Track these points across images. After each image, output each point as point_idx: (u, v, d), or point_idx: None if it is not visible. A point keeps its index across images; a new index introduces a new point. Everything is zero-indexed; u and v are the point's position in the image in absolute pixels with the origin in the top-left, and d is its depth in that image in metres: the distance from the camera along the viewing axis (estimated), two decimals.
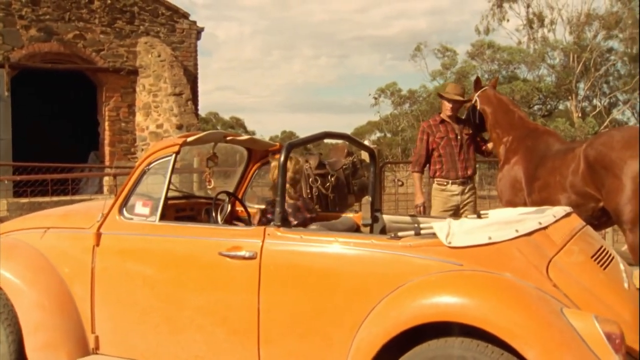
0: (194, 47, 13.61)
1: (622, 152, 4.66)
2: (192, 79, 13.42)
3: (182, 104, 11.77)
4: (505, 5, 31.47)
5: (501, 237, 2.92)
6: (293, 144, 3.49)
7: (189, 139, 3.79)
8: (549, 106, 29.94)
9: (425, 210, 6.08)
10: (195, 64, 13.80)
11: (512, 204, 5.55)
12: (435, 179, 6.05)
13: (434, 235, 2.99)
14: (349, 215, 4.44)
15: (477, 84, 6.24)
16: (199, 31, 13.81)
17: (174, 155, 3.69)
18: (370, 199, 4.29)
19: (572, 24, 29.70)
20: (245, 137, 4.34)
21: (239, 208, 4.63)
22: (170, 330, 3.47)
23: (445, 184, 5.94)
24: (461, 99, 6.00)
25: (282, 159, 3.33)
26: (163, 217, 3.68)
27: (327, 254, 3.16)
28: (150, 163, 3.76)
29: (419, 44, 31.43)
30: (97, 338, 3.69)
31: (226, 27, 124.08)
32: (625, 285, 3.07)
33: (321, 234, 3.28)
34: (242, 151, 4.62)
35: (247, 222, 4.46)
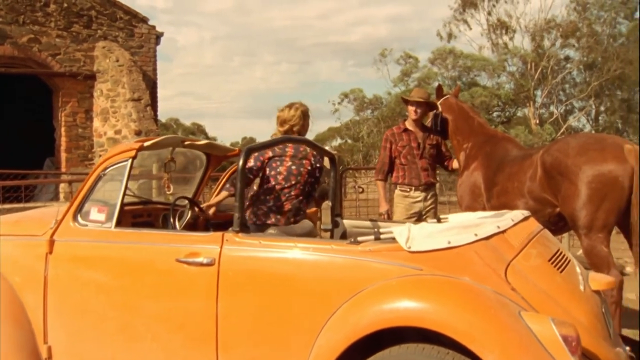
0: (153, 52, 13.42)
1: (577, 159, 4.71)
2: (152, 84, 13.23)
3: (141, 109, 11.59)
4: (467, 12, 32.00)
5: (460, 241, 2.92)
6: (252, 148, 3.45)
7: (146, 144, 3.72)
8: (507, 113, 30.48)
9: (390, 217, 6.10)
10: (155, 69, 13.62)
11: (471, 209, 5.59)
12: (397, 185, 6.07)
13: (393, 240, 2.99)
14: (308, 220, 4.41)
15: (439, 91, 6.29)
16: (158, 36, 13.63)
17: (130, 160, 3.62)
18: (330, 204, 4.27)
19: (530, 31, 30.32)
20: (203, 142, 4.29)
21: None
22: (126, 339, 3.39)
23: (408, 190, 5.97)
24: (422, 100, 6.01)
25: (240, 164, 3.28)
26: (119, 224, 3.60)
27: (287, 260, 3.13)
28: (106, 168, 3.68)
29: (383, 49, 31.72)
30: (49, 348, 3.59)
31: (186, 33, 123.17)
32: (581, 287, 3.11)
33: (281, 239, 3.25)
34: (200, 156, 4.55)
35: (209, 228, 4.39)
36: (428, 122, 6.22)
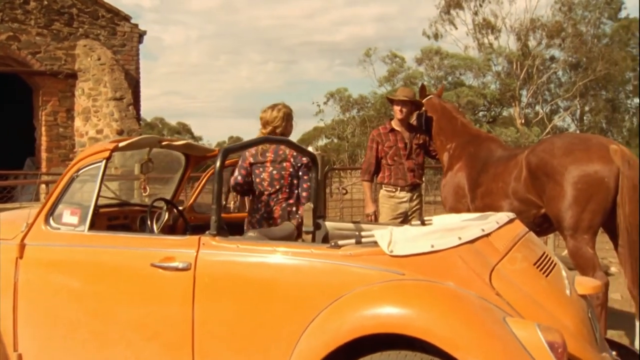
0: (135, 50, 13.24)
1: (562, 159, 4.65)
2: (134, 83, 13.06)
3: (123, 108, 11.41)
4: (453, 12, 32.07)
5: (444, 245, 2.84)
6: (229, 149, 3.35)
7: (121, 144, 3.61)
8: (493, 112, 30.56)
9: (376, 218, 6.02)
10: (137, 68, 13.43)
11: (455, 210, 5.54)
12: (383, 185, 6.00)
13: (375, 243, 2.90)
14: (290, 222, 4.32)
15: (422, 91, 6.23)
16: (141, 34, 13.45)
17: (104, 161, 3.51)
18: (312, 205, 4.18)
19: (516, 30, 30.43)
20: (181, 142, 4.18)
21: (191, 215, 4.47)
22: (98, 347, 3.29)
23: (393, 190, 5.90)
24: (407, 99, 5.93)
25: (217, 165, 3.18)
26: (93, 227, 3.49)
27: (265, 264, 3.03)
28: (79, 169, 3.56)
29: (368, 49, 31.67)
30: (20, 356, 3.48)
31: (172, 31, 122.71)
32: (567, 292, 3.04)
33: (259, 243, 3.15)
34: (179, 157, 4.44)
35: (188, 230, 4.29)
36: (413, 121, 6.14)
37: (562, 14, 30.84)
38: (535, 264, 3.03)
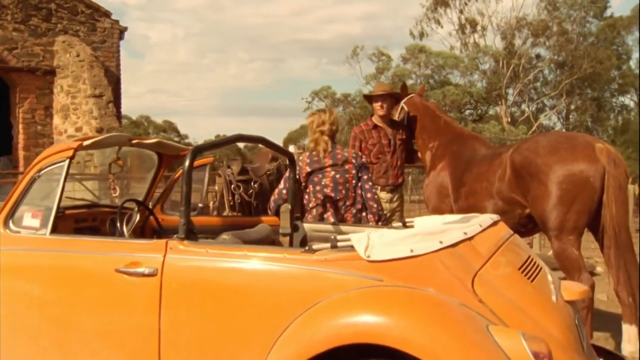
0: (116, 47, 12.99)
1: (547, 158, 4.56)
2: (115, 81, 12.82)
3: (103, 106, 11.17)
4: (439, 10, 32.04)
5: (424, 249, 2.71)
6: (200, 148, 3.18)
7: (85, 143, 3.44)
8: (479, 111, 30.54)
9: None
10: (118, 65, 13.18)
11: (438, 210, 5.45)
12: None
13: (351, 248, 2.75)
14: (267, 224, 4.16)
15: (404, 90, 6.12)
16: (122, 31, 13.19)
17: (67, 161, 3.34)
18: (289, 206, 4.02)
19: (502, 29, 30.46)
20: (152, 140, 4.00)
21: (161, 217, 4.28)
22: (61, 356, 3.14)
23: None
24: (385, 92, 5.79)
25: (186, 165, 3.01)
26: (56, 230, 3.32)
27: (235, 269, 2.88)
28: (40, 169, 3.38)
29: (355, 47, 31.53)
30: None
31: (159, 29, 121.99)
32: (553, 298, 2.91)
33: (229, 247, 2.99)
34: (152, 156, 4.27)
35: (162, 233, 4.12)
36: (397, 116, 6.01)
37: (547, 12, 30.90)
38: (520, 268, 2.90)
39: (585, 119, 35.04)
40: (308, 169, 4.40)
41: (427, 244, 2.72)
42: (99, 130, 10.88)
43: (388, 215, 5.72)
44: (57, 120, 12.24)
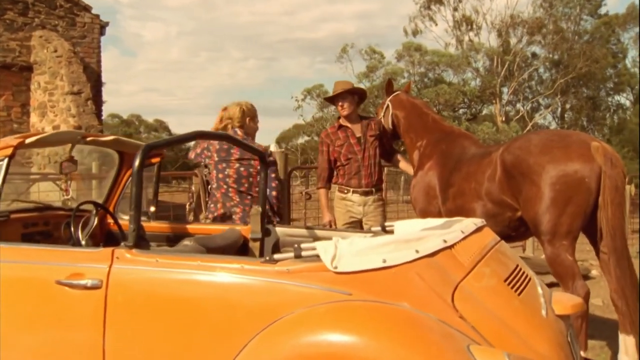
0: (97, 42, 12.58)
1: (539, 157, 4.29)
2: (95, 77, 12.44)
3: (81, 103, 10.79)
4: (433, 8, 31.82)
5: (398, 259, 2.42)
6: (152, 146, 2.86)
7: (28, 140, 3.14)
8: (473, 110, 30.29)
9: (334, 227, 5.53)
10: (99, 61, 12.77)
11: (426, 212, 5.17)
12: (337, 186, 5.52)
13: (317, 257, 2.45)
14: (236, 227, 3.86)
15: (389, 87, 5.82)
16: (103, 26, 12.79)
17: (6, 160, 3.05)
18: (260, 209, 3.72)
19: (497, 27, 30.28)
20: (109, 137, 3.68)
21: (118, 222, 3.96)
22: None
23: (345, 192, 5.42)
24: (344, 90, 5.42)
25: (136, 164, 2.70)
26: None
27: (188, 281, 2.59)
28: None
29: (345, 45, 31.27)
30: None
31: (152, 28, 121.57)
32: (543, 312, 2.61)
33: (182, 257, 2.68)
34: (113, 155, 3.95)
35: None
36: (382, 114, 5.70)
37: (543, 10, 30.71)
38: (506, 280, 2.61)
39: (581, 118, 34.88)
40: (216, 157, 4.59)
41: (402, 253, 2.44)
42: (77, 129, 10.51)
43: (361, 219, 5.37)
44: (34, 118, 11.86)
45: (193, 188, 6.28)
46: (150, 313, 2.58)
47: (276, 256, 2.52)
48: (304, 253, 2.51)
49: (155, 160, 3.92)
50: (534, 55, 32.76)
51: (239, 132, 4.80)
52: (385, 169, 7.18)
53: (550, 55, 31.41)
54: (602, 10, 34.02)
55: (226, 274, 2.53)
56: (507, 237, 4.78)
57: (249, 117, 4.85)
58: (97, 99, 12.13)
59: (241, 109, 4.81)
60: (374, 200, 5.41)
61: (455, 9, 31.77)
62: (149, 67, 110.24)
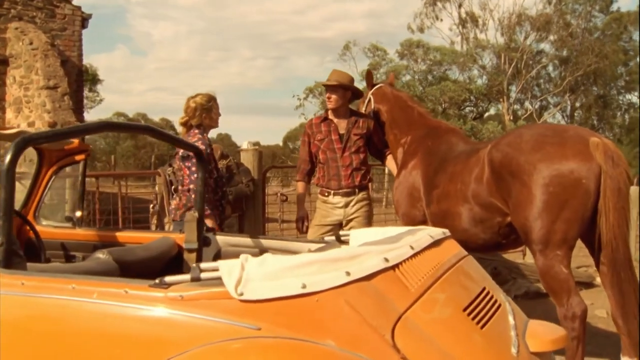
0: (78, 35, 12.03)
1: (531, 155, 3.79)
2: (77, 72, 11.93)
3: (57, 98, 10.26)
4: (439, 4, 31.44)
5: (323, 283, 1.89)
6: (28, 140, 2.30)
7: None
8: (480, 108, 29.75)
9: (304, 225, 5.02)
10: (81, 55, 12.23)
11: (409, 216, 4.71)
12: (319, 188, 5.03)
13: (221, 280, 1.91)
14: (170, 236, 3.32)
15: (369, 79, 5.32)
16: (86, 18, 12.25)
17: None
18: (196, 215, 3.18)
19: (504, 24, 29.79)
20: (13, 130, 3.15)
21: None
22: None
23: (326, 194, 4.95)
24: (336, 83, 4.93)
25: (7, 160, 2.16)
26: None
27: (59, 308, 2.06)
28: None
29: (347, 42, 30.96)
30: None
31: (162, 27, 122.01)
32: (513, 350, 2.05)
33: (54, 279, 2.14)
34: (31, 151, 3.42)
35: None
36: (364, 108, 5.20)
37: (551, 6, 30.19)
38: (466, 308, 2.06)
39: (591, 116, 34.26)
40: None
41: (328, 275, 1.90)
42: (52, 125, 9.98)
43: (343, 223, 4.86)
44: (9, 114, 11.35)
45: (157, 189, 5.81)
46: (11, 346, 2.05)
47: (168, 279, 1.97)
48: (203, 275, 1.97)
49: (80, 157, 3.40)
50: (542, 52, 32.30)
51: (196, 131, 4.53)
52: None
53: (559, 53, 30.91)
54: (614, 7, 33.46)
55: (105, 301, 1.98)
56: (498, 245, 4.32)
57: (203, 112, 4.53)
58: (78, 94, 11.63)
59: (196, 106, 4.53)
60: (357, 201, 4.93)
61: (460, 5, 31.32)
62: (159, 66, 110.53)
